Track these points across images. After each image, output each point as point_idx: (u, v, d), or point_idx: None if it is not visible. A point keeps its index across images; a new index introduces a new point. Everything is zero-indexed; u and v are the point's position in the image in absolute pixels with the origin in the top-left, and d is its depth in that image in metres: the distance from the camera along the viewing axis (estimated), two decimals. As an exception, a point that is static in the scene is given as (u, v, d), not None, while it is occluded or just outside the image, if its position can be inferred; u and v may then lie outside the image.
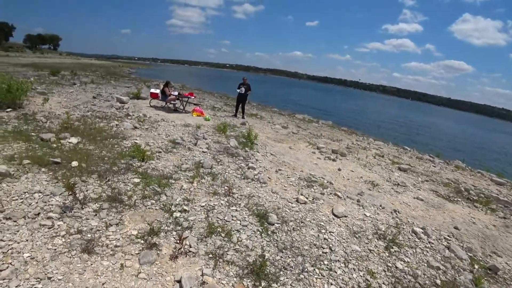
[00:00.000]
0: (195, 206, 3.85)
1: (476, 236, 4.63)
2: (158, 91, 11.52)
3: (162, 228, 3.24)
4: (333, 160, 7.34)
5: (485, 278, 3.52)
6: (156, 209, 3.64)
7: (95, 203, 3.58)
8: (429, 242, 4.05)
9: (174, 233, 3.18)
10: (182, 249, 2.88)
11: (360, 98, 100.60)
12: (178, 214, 3.56)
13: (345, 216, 4.21)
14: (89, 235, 2.99)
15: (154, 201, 3.82)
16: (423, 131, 28.69)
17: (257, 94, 34.44)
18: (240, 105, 11.90)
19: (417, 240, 4.04)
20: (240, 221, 3.62)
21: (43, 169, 4.29)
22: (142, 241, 2.97)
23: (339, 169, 6.63)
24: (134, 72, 48.45)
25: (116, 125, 7.38)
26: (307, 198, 4.55)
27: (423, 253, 3.77)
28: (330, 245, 3.45)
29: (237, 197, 4.30)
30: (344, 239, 3.66)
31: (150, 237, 3.02)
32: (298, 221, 3.86)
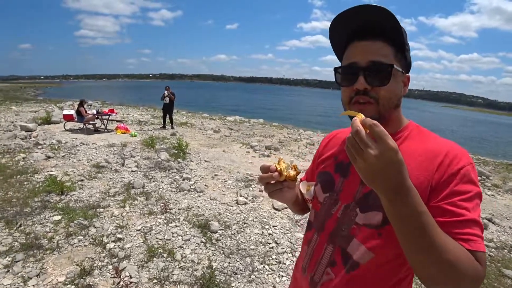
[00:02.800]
0: (130, 231, 3.59)
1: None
2: (72, 112, 10.38)
3: (95, 265, 2.94)
4: (267, 156, 7.61)
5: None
6: (85, 246, 3.29)
7: (5, 257, 3.05)
8: None
9: (110, 267, 2.92)
10: (121, 283, 2.66)
11: (287, 93, 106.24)
12: (112, 245, 3.27)
13: (286, 208, 4.41)
14: (2, 298, 2.56)
15: (81, 237, 3.44)
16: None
17: (185, 102, 33.65)
18: (168, 116, 11.46)
19: None
20: (182, 236, 3.50)
21: None
22: (73, 287, 2.65)
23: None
24: (41, 93, 42.71)
25: (24, 158, 6.43)
26: (246, 198, 4.63)
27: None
28: (276, 239, 3.58)
29: (175, 212, 4.14)
30: (287, 230, 3.84)
31: (82, 279, 2.71)
32: (241, 223, 3.91)
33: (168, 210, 4.13)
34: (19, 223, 3.75)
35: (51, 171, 5.72)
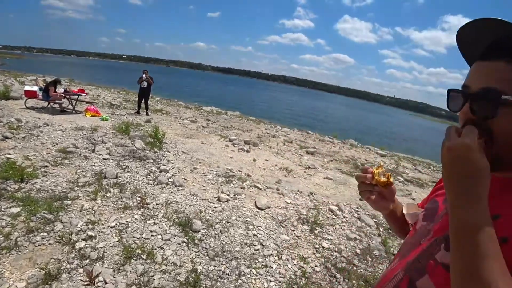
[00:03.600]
0: (103, 228, 3.27)
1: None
2: (35, 88, 9.44)
3: (62, 267, 2.61)
4: (247, 151, 7.43)
5: (389, 238, 4.13)
6: (50, 244, 2.93)
7: (-50, 255, 2.63)
8: (344, 217, 4.51)
9: (81, 270, 2.61)
10: (94, 289, 2.38)
11: (264, 88, 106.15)
12: (82, 244, 2.94)
13: (269, 207, 4.28)
14: None
15: (45, 234, 3.06)
16: (320, 115, 32.52)
17: (161, 88, 32.38)
18: (143, 101, 10.84)
19: (334, 217, 4.44)
20: (161, 235, 3.24)
21: None
22: (35, 293, 2.32)
23: (254, 160, 6.75)
24: (2, 65, 38.88)
25: (-26, 138, 5.71)
26: (228, 195, 4.43)
27: (341, 228, 4.17)
28: (261, 240, 3.45)
29: (153, 207, 3.86)
30: (272, 231, 3.71)
31: (47, 285, 2.39)
32: (224, 222, 3.72)
33: (145, 205, 3.83)
34: (-31, 214, 3.28)
35: (9, 153, 5.12)
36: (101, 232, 3.20)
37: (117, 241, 3.07)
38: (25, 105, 9.15)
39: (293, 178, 5.97)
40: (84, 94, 10.19)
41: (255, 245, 3.35)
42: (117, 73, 57.28)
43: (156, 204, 3.93)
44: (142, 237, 3.17)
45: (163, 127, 8.90)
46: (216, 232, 3.45)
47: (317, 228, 4.01)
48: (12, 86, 11.84)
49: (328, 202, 5.03)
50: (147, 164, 5.42)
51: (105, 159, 5.41)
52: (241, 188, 4.89)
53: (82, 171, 4.78)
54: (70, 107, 9.51)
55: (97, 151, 5.74)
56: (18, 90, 10.86)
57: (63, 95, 9.19)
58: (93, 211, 3.61)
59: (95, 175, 4.64)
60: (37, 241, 2.95)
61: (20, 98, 9.83)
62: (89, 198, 3.91)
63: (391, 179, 0.82)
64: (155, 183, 4.60)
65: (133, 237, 3.17)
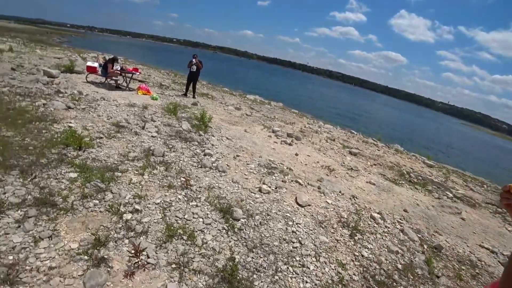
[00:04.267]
0: (149, 203, 3.37)
1: (421, 217, 4.99)
2: (96, 64, 10.09)
3: (110, 236, 2.74)
4: (289, 144, 7.27)
5: (434, 258, 3.77)
6: (100, 212, 3.08)
7: (17, 210, 2.87)
8: (386, 227, 4.21)
9: (127, 241, 2.71)
10: (139, 262, 2.45)
11: (308, 81, 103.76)
12: (129, 216, 3.06)
13: (309, 205, 4.13)
14: (10, 258, 2.37)
15: (97, 201, 3.24)
16: (365, 115, 31.01)
17: (207, 73, 33.10)
18: (191, 84, 11.11)
19: (375, 225, 4.17)
20: (203, 218, 3.27)
21: None
22: (86, 257, 2.45)
23: (296, 154, 6.58)
24: (66, 41, 42.60)
25: (44, 104, 6.24)
26: (269, 187, 4.36)
27: (382, 238, 3.90)
28: (299, 238, 3.33)
29: (196, 189, 3.91)
30: (311, 230, 3.57)
31: (96, 250, 2.52)
32: (264, 214, 3.65)
33: (189, 186, 3.90)
34: (34, 174, 3.57)
35: (70, 122, 5.52)
36: (147, 207, 3.30)
37: (161, 218, 3.14)
38: (86, 79, 9.85)
39: (334, 178, 5.72)
40: (138, 73, 10.67)
41: (293, 242, 3.24)
42: (167, 55, 59.64)
43: (199, 187, 3.98)
44: (184, 218, 3.22)
45: (209, 111, 9.05)
46: (255, 223, 3.40)
47: (357, 234, 3.79)
48: (76, 61, 12.84)
49: (370, 208, 4.73)
50: (192, 146, 5.53)
51: (154, 136, 5.62)
52: (282, 181, 4.79)
53: (132, 146, 5.00)
54: (124, 84, 10.05)
55: (147, 128, 5.97)
56: (81, 65, 11.73)
57: (119, 72, 9.71)
58: (140, 186, 3.74)
59: (144, 151, 4.83)
60: (90, 207, 3.12)
61: (82, 73, 10.58)
62: (137, 172, 4.07)
63: None
64: (199, 165, 4.66)
65: (176, 216, 3.23)
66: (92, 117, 6.14)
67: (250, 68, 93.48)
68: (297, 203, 4.10)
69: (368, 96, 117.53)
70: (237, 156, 5.49)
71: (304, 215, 3.87)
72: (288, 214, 3.76)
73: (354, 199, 4.87)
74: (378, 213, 4.53)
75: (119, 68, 9.90)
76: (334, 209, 4.28)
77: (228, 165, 4.93)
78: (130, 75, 10.11)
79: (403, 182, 6.79)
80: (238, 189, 4.15)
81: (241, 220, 3.38)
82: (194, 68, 10.62)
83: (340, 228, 3.79)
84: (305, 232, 3.50)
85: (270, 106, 13.72)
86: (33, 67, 10.30)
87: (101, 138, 5.09)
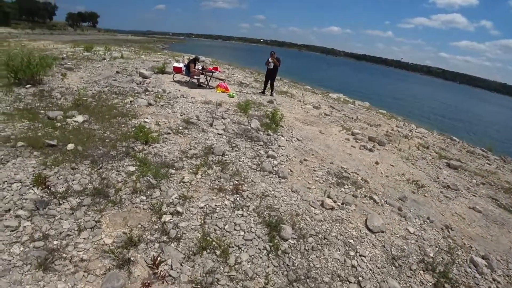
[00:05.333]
0: (192, 206, 3.13)
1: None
2: (181, 65, 10.83)
3: (143, 237, 2.57)
4: (370, 150, 6.22)
5: None
6: (143, 209, 2.98)
7: (76, 197, 3.00)
8: (494, 280, 2.98)
9: (157, 245, 2.49)
10: (159, 273, 2.18)
11: (402, 79, 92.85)
12: (168, 218, 2.86)
13: (382, 231, 3.25)
14: (55, 242, 2.41)
15: (144, 198, 3.16)
16: (472, 119, 25.47)
17: (290, 70, 32.79)
18: (269, 82, 10.88)
19: (477, 275, 2.97)
20: (245, 232, 2.84)
21: (35, 153, 3.83)
22: (113, 256, 2.32)
23: (377, 162, 5.53)
24: (168, 47, 48.47)
25: (131, 101, 6.85)
26: (335, 202, 3.63)
27: (487, 297, 2.75)
28: (360, 278, 2.58)
29: (247, 196, 3.51)
30: (379, 268, 2.75)
31: (125, 250, 2.37)
32: (320, 236, 3.00)
33: (240, 191, 3.53)
34: (100, 165, 3.76)
35: (147, 118, 5.84)
36: (189, 210, 3.07)
37: (199, 225, 2.85)
38: (173, 79, 10.63)
39: (423, 198, 4.52)
40: (218, 72, 10.99)
41: (350, 282, 2.51)
42: (254, 55, 61.75)
43: (252, 193, 3.57)
44: (224, 228, 2.85)
45: (284, 110, 8.63)
46: (306, 247, 2.78)
47: (446, 284, 2.74)
48: (170, 63, 14.13)
49: (471, 247, 3.47)
50: (257, 146, 5.17)
51: (219, 134, 5.49)
52: (353, 195, 3.97)
53: (196, 142, 4.94)
54: (206, 83, 10.48)
55: (215, 125, 5.91)
56: (172, 66, 12.79)
57: (200, 71, 10.15)
58: (190, 186, 3.56)
59: (205, 148, 4.70)
60: (136, 202, 3.06)
61: (172, 73, 11.44)
62: (191, 171, 3.92)
63: None
64: (258, 168, 4.26)
65: (216, 225, 2.89)
66: (167, 113, 6.42)
67: (336, 66, 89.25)
68: (367, 227, 3.27)
69: (477, 95, 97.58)
70: (304, 160, 4.87)
71: (373, 245, 3.03)
72: (351, 241, 3.00)
73: (448, 231, 3.66)
74: (482, 257, 3.28)
75: (200, 68, 10.36)
76: (416, 241, 3.27)
77: (291, 170, 4.39)
78: (210, 73, 10.49)
79: (528, 212, 5.00)
80: (296, 201, 3.57)
81: (290, 240, 2.82)
82: (272, 65, 10.32)
83: (422, 272, 2.82)
84: (370, 269, 2.70)
85: (353, 105, 12.41)
86: (134, 69, 11.67)
87: (169, 133, 5.20)
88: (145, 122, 5.59)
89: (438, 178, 5.60)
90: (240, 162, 4.38)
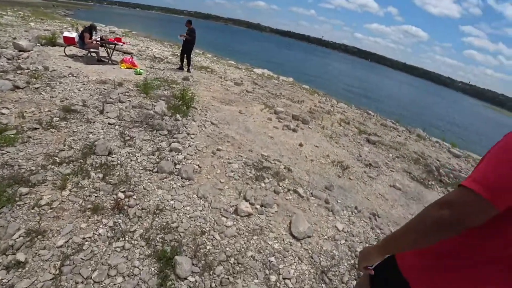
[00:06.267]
0: (45, 248, 2.09)
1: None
2: (74, 35, 8.70)
3: None
4: (293, 130, 5.75)
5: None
6: None
7: None
8: None
9: None
10: None
11: (322, 56, 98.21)
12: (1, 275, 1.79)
13: (309, 237, 2.72)
14: None
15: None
16: (381, 93, 28.27)
17: (214, 44, 31.05)
18: (186, 56, 9.60)
19: None
20: (124, 278, 1.95)
21: None
22: None
23: (301, 144, 5.08)
24: (71, 14, 41.14)
25: (-12, 84, 5.00)
26: (252, 205, 2.96)
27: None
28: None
29: (135, 213, 2.58)
30: (307, 291, 2.19)
31: None
32: (232, 260, 2.28)
33: (123, 209, 2.57)
34: None
35: (7, 107, 4.27)
36: (38, 255, 2.02)
37: (51, 279, 1.85)
38: (65, 53, 8.50)
39: (349, 182, 4.22)
40: (121, 44, 9.23)
41: (274, 324, 1.89)
42: (175, 27, 57.30)
43: (142, 209, 2.65)
44: (91, 278, 1.92)
45: (201, 88, 7.60)
46: (213, 284, 2.04)
47: None
48: (62, 33, 11.46)
49: None
50: (159, 136, 4.16)
51: (111, 124, 4.28)
52: (274, 192, 3.35)
53: (73, 139, 3.69)
54: (108, 57, 8.67)
55: (106, 112, 4.64)
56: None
57: (98, 43, 8.31)
58: (50, 210, 2.46)
59: (84, 147, 3.52)
60: None
61: (74, 45, 9.11)
62: (56, 185, 2.77)
63: None
64: (155, 169, 3.30)
65: (80, 274, 1.93)
66: (42, 99, 4.85)
67: (261, 41, 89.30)
68: (291, 234, 2.69)
69: (384, 73, 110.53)
70: (218, 150, 4.07)
71: (299, 258, 2.46)
72: (272, 259, 2.36)
73: (375, 219, 3.37)
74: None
75: (98, 38, 8.48)
76: (346, 240, 2.84)
77: (199, 167, 3.54)
78: (112, 45, 8.69)
79: (433, 182, 5.21)
80: (203, 211, 2.78)
81: (189, 278, 2.03)
82: (183, 38, 9.11)
83: (354, 283, 2.37)
84: (297, 294, 2.13)
85: (277, 81, 11.98)
86: (11, 40, 9.02)
87: (36, 129, 3.81)
88: (1, 114, 4.04)
89: (360, 156, 5.46)
90: (133, 163, 3.36)
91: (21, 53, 7.56)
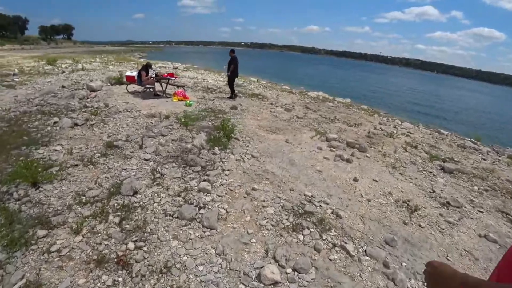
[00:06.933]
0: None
1: None
2: (134, 73, 9.48)
3: None
4: (347, 160, 4.94)
5: None
6: None
7: None
8: None
9: None
10: None
11: (382, 72, 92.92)
12: None
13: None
14: None
15: None
16: (453, 108, 24.57)
17: (269, 72, 31.59)
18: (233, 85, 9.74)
19: None
20: None
21: None
22: None
23: (355, 179, 4.26)
24: (145, 56, 46.75)
25: (55, 123, 5.50)
26: (283, 268, 2.32)
27: None
28: None
29: (139, 271, 2.18)
30: None
31: None
32: None
33: (127, 264, 2.21)
34: None
35: (60, 145, 4.49)
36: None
37: None
38: (127, 90, 9.24)
39: (419, 231, 3.24)
40: (174, 78, 9.67)
41: None
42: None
43: (148, 265, 2.25)
44: None
45: (248, 116, 7.34)
46: None
47: None
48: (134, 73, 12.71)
49: None
50: (191, 173, 3.85)
51: (146, 160, 4.16)
52: (315, 249, 2.64)
53: (106, 177, 3.60)
54: (162, 91, 9.14)
55: (145, 146, 4.58)
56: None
57: (153, 79, 8.82)
58: (57, 258, 2.24)
59: (113, 186, 3.37)
60: None
61: (134, 83, 9.92)
62: (72, 229, 2.58)
63: None
64: (176, 213, 2.93)
65: None
66: (93, 135, 5.08)
67: (315, 64, 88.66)
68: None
69: (455, 84, 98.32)
70: (253, 190, 3.56)
71: None
72: None
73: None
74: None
75: (153, 75, 9.02)
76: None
77: (226, 212, 3.06)
78: (166, 80, 9.16)
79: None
80: (218, 273, 2.24)
81: None
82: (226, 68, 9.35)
83: None
84: None
85: (332, 104, 11.16)
86: (87, 82, 10.22)
87: (77, 165, 3.85)
88: (54, 151, 4.24)
89: (433, 190, 4.38)
90: (155, 205, 3.05)
91: (91, 93, 8.40)
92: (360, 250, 2.71)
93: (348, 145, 5.79)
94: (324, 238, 2.78)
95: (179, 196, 3.26)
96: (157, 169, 3.85)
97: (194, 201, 3.16)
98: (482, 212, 4.03)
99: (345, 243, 2.75)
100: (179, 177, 3.69)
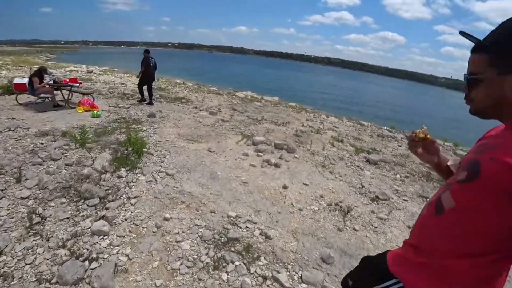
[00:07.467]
0: None
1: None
2: (25, 80, 7.76)
3: None
4: (276, 165, 4.63)
5: None
6: None
7: None
8: None
9: None
10: None
11: (307, 71, 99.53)
12: None
13: None
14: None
15: None
16: (369, 100, 27.60)
17: (197, 73, 30.57)
18: (147, 88, 8.90)
19: None
20: None
21: None
22: None
23: (285, 187, 3.95)
24: (54, 58, 40.78)
25: None
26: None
27: None
28: None
29: None
30: None
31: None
32: None
33: None
34: None
35: None
36: None
37: None
38: (17, 101, 7.49)
39: (354, 236, 3.05)
40: (77, 84, 8.26)
41: None
42: (159, 60, 57.61)
43: None
44: None
45: (167, 124, 6.55)
46: None
47: None
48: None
49: None
50: (85, 209, 3.02)
51: (24, 198, 3.16)
52: (241, 285, 2.20)
53: (-48, 234, 2.55)
54: (65, 101, 7.66)
55: (26, 179, 3.53)
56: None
57: (50, 86, 7.34)
58: None
59: (-41, 248, 2.37)
60: None
61: (25, 92, 8.01)
62: None
63: (428, 136, 1.11)
64: (54, 279, 2.13)
65: None
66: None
67: (244, 64, 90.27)
68: None
69: (369, 79, 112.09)
70: (165, 220, 2.93)
71: None
72: None
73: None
74: None
75: (50, 82, 7.51)
76: None
77: (128, 259, 2.36)
78: (68, 87, 7.72)
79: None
80: None
81: None
82: (142, 68, 8.51)
83: None
84: None
85: (260, 103, 10.98)
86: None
87: None
88: None
89: (362, 185, 4.36)
90: (26, 268, 2.19)
91: (-38, 109, 6.56)
92: (295, 277, 2.34)
93: (276, 147, 5.51)
94: (252, 271, 2.33)
95: (63, 247, 2.44)
96: (36, 211, 2.92)
97: (85, 251, 2.40)
98: (406, 200, 4.14)
99: (278, 272, 2.35)
100: (67, 218, 2.84)
